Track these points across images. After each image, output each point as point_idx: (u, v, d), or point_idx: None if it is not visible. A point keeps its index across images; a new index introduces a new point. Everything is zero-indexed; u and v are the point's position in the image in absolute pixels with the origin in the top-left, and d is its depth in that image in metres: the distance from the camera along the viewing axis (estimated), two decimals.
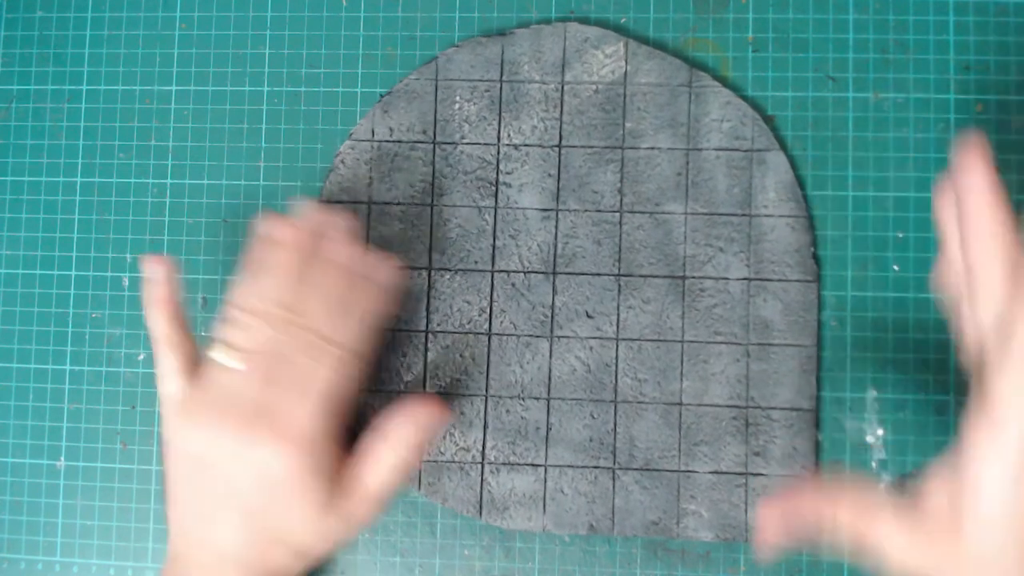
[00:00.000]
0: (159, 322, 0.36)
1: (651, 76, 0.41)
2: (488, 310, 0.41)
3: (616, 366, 0.40)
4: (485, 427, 0.41)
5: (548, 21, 0.42)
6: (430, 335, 0.41)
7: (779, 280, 0.40)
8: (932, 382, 0.40)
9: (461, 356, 0.41)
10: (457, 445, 0.41)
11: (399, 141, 0.42)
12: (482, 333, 0.41)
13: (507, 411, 0.41)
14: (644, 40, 0.42)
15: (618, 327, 0.41)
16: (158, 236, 0.43)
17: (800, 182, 0.41)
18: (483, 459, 0.40)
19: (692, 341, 0.40)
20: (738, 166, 0.41)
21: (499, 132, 0.42)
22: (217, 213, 0.43)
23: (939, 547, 0.29)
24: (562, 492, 0.40)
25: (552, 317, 0.41)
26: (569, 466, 0.40)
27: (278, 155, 0.43)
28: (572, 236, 0.41)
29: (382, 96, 0.42)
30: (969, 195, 0.29)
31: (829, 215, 0.41)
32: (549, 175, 0.41)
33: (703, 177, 0.41)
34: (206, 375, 0.35)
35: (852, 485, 0.31)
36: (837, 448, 0.40)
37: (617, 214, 0.41)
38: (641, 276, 0.41)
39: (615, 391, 0.40)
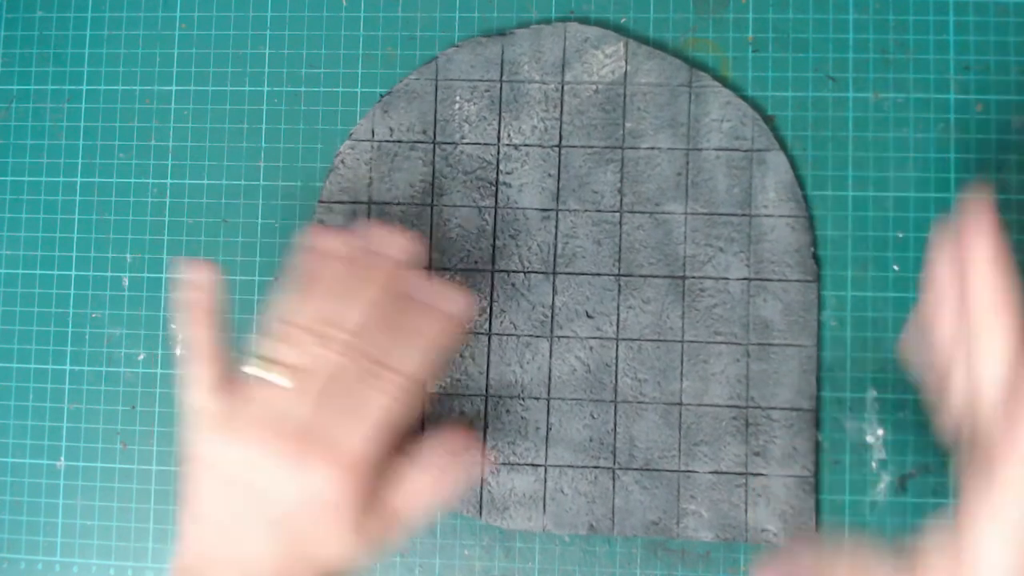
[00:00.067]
0: (199, 330, 0.34)
1: (651, 76, 0.41)
2: (488, 310, 0.41)
3: (616, 366, 0.40)
4: (485, 427, 0.41)
5: (548, 21, 0.42)
6: None
7: (779, 280, 0.40)
8: None
9: (461, 356, 0.41)
10: None
11: (399, 141, 0.42)
12: (482, 333, 0.41)
13: (507, 411, 0.41)
14: (644, 40, 0.42)
15: (618, 327, 0.41)
16: (158, 236, 0.43)
17: (800, 182, 0.41)
18: (483, 459, 0.40)
19: (692, 341, 0.40)
20: (738, 166, 0.41)
21: (499, 132, 0.42)
22: (217, 213, 0.43)
23: None
24: (562, 492, 0.40)
25: (552, 317, 0.41)
26: (569, 466, 0.40)
27: (278, 155, 0.43)
28: (572, 236, 0.41)
29: (382, 96, 0.42)
30: (975, 263, 0.29)
31: (829, 215, 0.41)
32: (549, 175, 0.41)
33: (703, 177, 0.41)
34: (244, 389, 0.33)
35: (851, 549, 0.31)
36: (837, 448, 0.40)
37: (617, 214, 0.41)
38: (641, 276, 0.41)
39: (615, 391, 0.40)
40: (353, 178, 0.42)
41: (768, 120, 0.41)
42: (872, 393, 0.40)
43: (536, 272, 0.41)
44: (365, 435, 0.32)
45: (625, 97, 0.41)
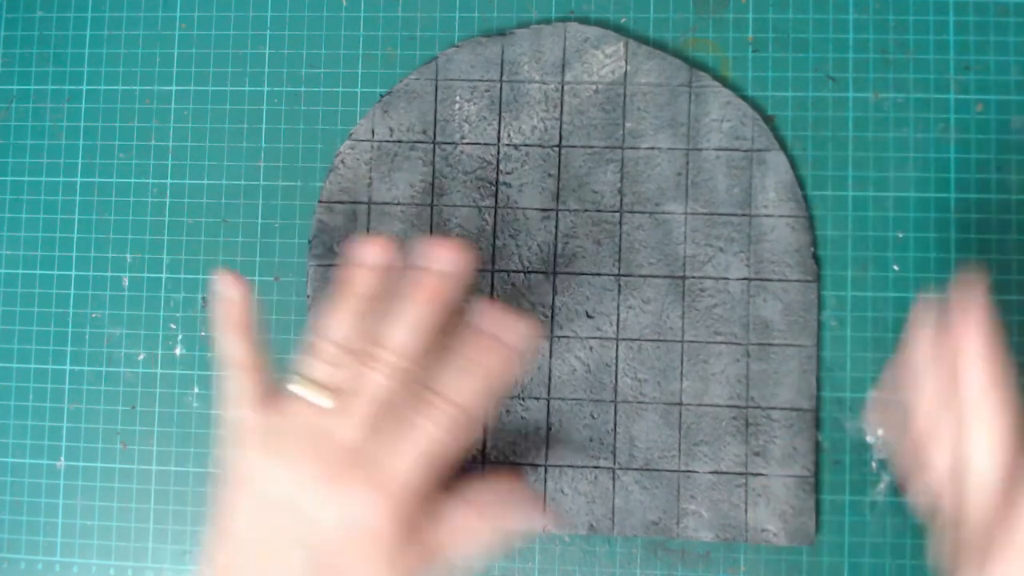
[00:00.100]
0: (237, 345, 0.33)
1: (651, 76, 0.41)
2: None
3: (616, 366, 0.40)
4: (485, 427, 0.41)
5: (548, 21, 0.42)
6: None
7: (779, 280, 0.40)
8: None
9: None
10: None
11: (399, 141, 0.42)
12: None
13: (507, 411, 0.41)
14: (644, 40, 0.42)
15: (618, 327, 0.41)
16: (158, 236, 0.43)
17: (800, 182, 0.41)
18: (483, 459, 0.40)
19: (692, 341, 0.40)
20: (738, 166, 0.41)
21: (499, 132, 0.42)
22: (217, 213, 0.43)
23: None
24: (562, 492, 0.40)
25: (552, 317, 0.41)
26: (569, 466, 0.40)
27: (278, 155, 0.43)
28: (572, 236, 0.41)
29: (382, 96, 0.42)
30: (968, 355, 0.28)
31: (829, 215, 0.41)
32: (549, 175, 0.41)
33: (703, 177, 0.41)
34: (285, 406, 0.32)
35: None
36: (837, 448, 0.40)
37: (617, 214, 0.41)
38: (641, 276, 0.41)
39: (615, 391, 0.40)
40: (353, 178, 0.42)
41: (768, 120, 0.41)
42: (872, 393, 0.40)
43: (536, 272, 0.41)
44: (411, 463, 0.30)
45: (625, 97, 0.41)
